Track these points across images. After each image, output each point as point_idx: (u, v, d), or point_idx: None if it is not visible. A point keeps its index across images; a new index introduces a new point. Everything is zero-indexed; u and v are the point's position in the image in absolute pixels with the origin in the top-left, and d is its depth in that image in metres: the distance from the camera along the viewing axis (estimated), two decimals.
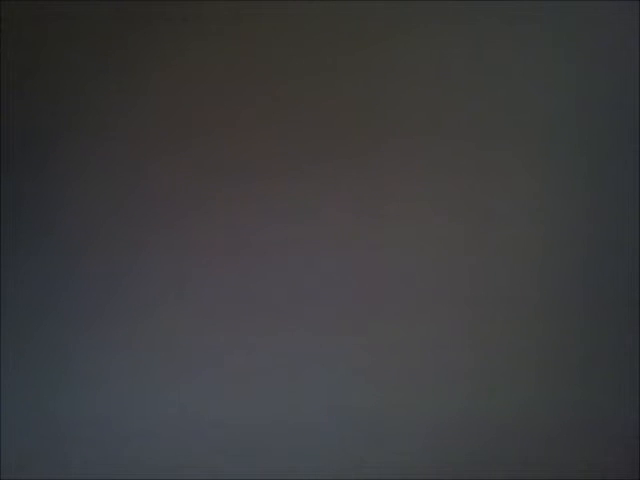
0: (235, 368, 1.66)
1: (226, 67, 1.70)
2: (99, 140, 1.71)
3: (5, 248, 1.72)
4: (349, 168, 1.66)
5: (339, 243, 1.66)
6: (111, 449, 1.68)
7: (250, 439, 1.66)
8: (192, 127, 1.70)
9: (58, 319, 1.70)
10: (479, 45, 1.65)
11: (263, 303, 1.67)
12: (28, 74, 1.73)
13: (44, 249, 1.71)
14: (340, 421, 1.64)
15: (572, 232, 1.62)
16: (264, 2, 1.69)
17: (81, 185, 1.71)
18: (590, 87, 1.63)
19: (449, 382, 1.63)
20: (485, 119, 1.64)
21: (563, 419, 1.60)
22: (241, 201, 1.68)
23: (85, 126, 1.72)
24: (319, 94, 1.68)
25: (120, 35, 1.72)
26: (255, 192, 1.68)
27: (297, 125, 1.68)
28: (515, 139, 1.64)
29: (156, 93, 1.71)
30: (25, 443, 1.70)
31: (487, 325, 1.62)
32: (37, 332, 1.70)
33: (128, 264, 1.69)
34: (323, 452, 1.64)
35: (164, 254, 1.69)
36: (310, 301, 1.66)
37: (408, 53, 1.66)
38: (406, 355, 1.64)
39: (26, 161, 1.72)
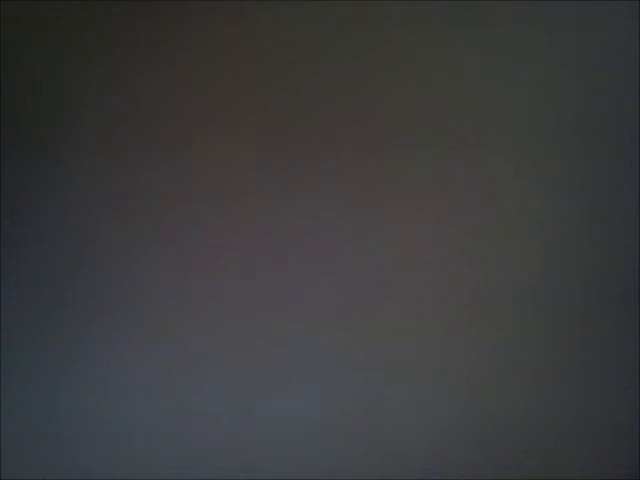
0: (236, 367, 1.66)
1: (226, 67, 1.70)
2: (99, 139, 1.71)
3: (5, 249, 1.72)
4: (349, 169, 1.66)
5: (339, 243, 1.66)
6: (111, 449, 1.68)
7: (250, 439, 1.66)
8: (192, 127, 1.70)
9: (58, 319, 1.70)
10: (479, 46, 1.65)
11: (264, 303, 1.67)
12: (28, 73, 1.73)
13: (43, 249, 1.71)
14: (340, 421, 1.64)
15: (572, 232, 1.62)
16: (264, 2, 1.69)
17: (81, 184, 1.71)
18: (590, 88, 1.63)
19: (449, 382, 1.63)
20: (486, 120, 1.64)
21: (563, 419, 1.60)
22: (241, 200, 1.68)
23: (85, 125, 1.72)
24: (320, 96, 1.68)
25: (120, 35, 1.72)
26: (255, 192, 1.68)
27: (298, 127, 1.68)
28: (516, 140, 1.64)
29: (156, 93, 1.71)
30: (25, 443, 1.69)
31: (487, 325, 1.62)
32: (37, 332, 1.70)
33: (128, 264, 1.69)
34: (323, 452, 1.64)
35: (164, 254, 1.69)
36: (310, 301, 1.66)
37: (408, 55, 1.66)
38: (406, 355, 1.64)
39: (26, 160, 1.72)
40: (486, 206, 1.64)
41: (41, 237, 1.71)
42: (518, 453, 1.61)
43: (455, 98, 1.65)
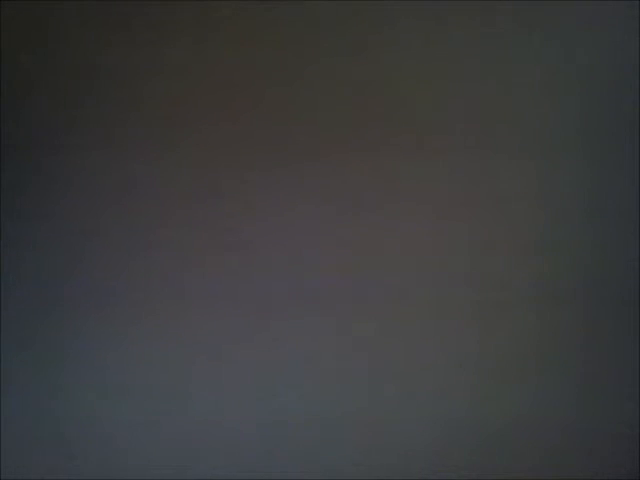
0: (235, 365, 1.66)
1: (226, 67, 1.70)
2: (98, 138, 1.71)
3: (4, 247, 1.72)
4: (349, 167, 1.66)
5: (339, 243, 1.66)
6: (111, 449, 1.68)
7: (250, 439, 1.66)
8: (191, 125, 1.70)
9: (57, 316, 1.70)
10: (479, 46, 1.65)
11: (264, 303, 1.66)
12: (28, 74, 1.73)
13: (42, 246, 1.71)
14: (340, 421, 1.64)
15: (573, 232, 1.62)
16: (264, 2, 1.69)
17: (81, 182, 1.71)
18: (591, 88, 1.63)
19: (449, 382, 1.63)
20: (486, 120, 1.64)
21: (563, 419, 1.60)
22: (241, 199, 1.68)
23: (86, 124, 1.72)
24: (319, 95, 1.68)
25: (119, 33, 1.72)
26: (254, 191, 1.68)
27: (298, 124, 1.68)
28: (516, 140, 1.64)
29: (156, 93, 1.71)
30: (25, 443, 1.69)
31: (487, 325, 1.62)
32: (36, 332, 1.70)
33: (127, 261, 1.69)
34: (323, 453, 1.64)
35: (163, 252, 1.69)
36: (310, 301, 1.66)
37: (409, 54, 1.66)
38: (406, 355, 1.64)
39: (26, 159, 1.72)
40: (486, 206, 1.64)
41: (40, 234, 1.71)
42: (518, 453, 1.61)
43: (455, 98, 1.65)
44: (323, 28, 1.68)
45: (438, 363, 1.63)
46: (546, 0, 1.64)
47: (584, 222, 1.62)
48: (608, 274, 1.61)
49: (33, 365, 1.70)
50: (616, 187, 1.62)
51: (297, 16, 1.69)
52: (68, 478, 1.69)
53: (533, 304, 1.62)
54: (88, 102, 1.72)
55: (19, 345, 1.71)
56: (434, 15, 1.66)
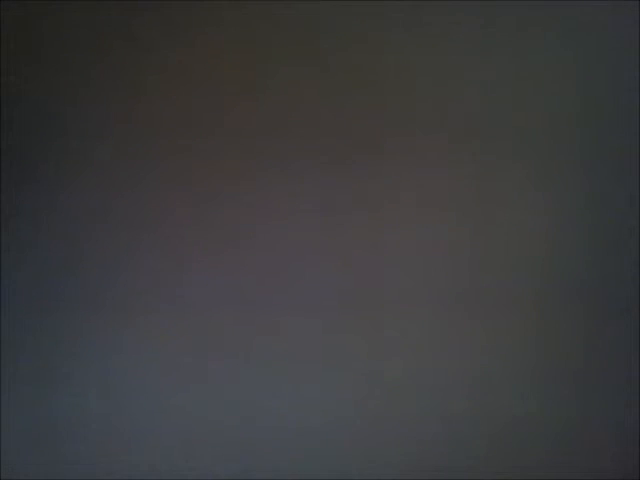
0: (236, 367, 1.66)
1: (225, 67, 1.70)
2: (98, 139, 1.71)
3: (4, 248, 1.71)
4: (349, 167, 1.66)
5: (339, 244, 1.66)
6: (111, 449, 1.68)
7: (250, 439, 1.66)
8: (190, 127, 1.70)
9: (57, 319, 1.70)
10: (479, 46, 1.65)
11: (264, 303, 1.66)
12: (28, 74, 1.73)
13: (43, 249, 1.71)
14: (340, 422, 1.64)
15: (574, 233, 1.62)
16: (263, 2, 1.69)
17: (81, 183, 1.71)
18: (591, 88, 1.63)
19: (449, 383, 1.63)
20: (486, 119, 1.64)
21: (563, 419, 1.60)
22: (241, 199, 1.68)
23: (85, 124, 1.72)
24: (319, 94, 1.68)
25: (120, 35, 1.72)
26: (254, 190, 1.68)
27: (297, 125, 1.68)
28: (516, 138, 1.64)
29: (156, 93, 1.71)
30: (25, 443, 1.69)
31: (487, 326, 1.62)
32: (36, 332, 1.70)
33: (127, 264, 1.69)
34: (323, 453, 1.64)
35: (165, 253, 1.69)
36: (310, 301, 1.66)
37: (409, 52, 1.66)
38: (406, 356, 1.64)
39: (26, 159, 1.72)
40: (486, 206, 1.64)
41: (40, 234, 1.71)
42: (518, 453, 1.61)
43: (455, 98, 1.65)
44: (323, 28, 1.68)
45: (438, 364, 1.63)
46: (546, 0, 1.64)
47: (585, 223, 1.62)
48: (609, 275, 1.61)
49: (33, 365, 1.70)
50: (617, 188, 1.62)
51: (297, 16, 1.69)
52: (68, 478, 1.68)
53: (534, 305, 1.62)
54: (88, 102, 1.72)
55: (19, 345, 1.70)
56: (434, 15, 1.66)
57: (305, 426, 1.65)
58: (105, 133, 1.72)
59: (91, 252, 1.70)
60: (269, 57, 1.69)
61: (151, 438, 1.67)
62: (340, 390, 1.65)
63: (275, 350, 1.66)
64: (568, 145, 1.63)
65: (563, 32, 1.64)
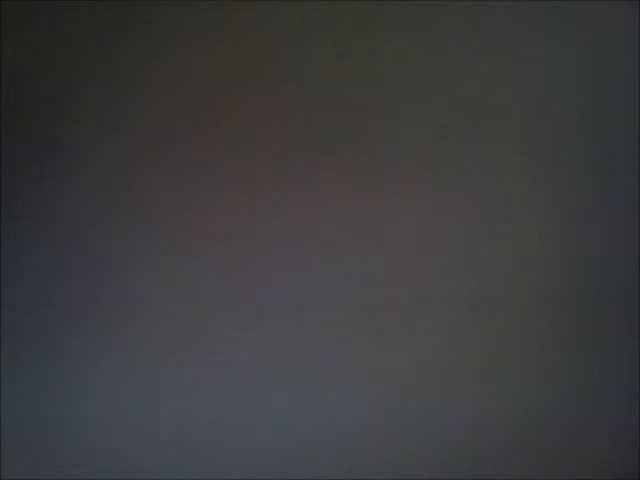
0: (235, 371, 1.66)
1: (224, 67, 1.70)
2: (98, 138, 1.71)
3: (4, 248, 1.71)
4: (349, 167, 1.66)
5: (339, 244, 1.66)
6: (111, 449, 1.68)
7: (249, 440, 1.66)
8: (190, 126, 1.70)
9: (57, 319, 1.70)
10: (479, 45, 1.65)
11: (263, 303, 1.66)
12: (28, 74, 1.73)
13: (43, 249, 1.71)
14: (340, 422, 1.64)
15: (574, 231, 1.62)
16: (263, 1, 1.69)
17: (79, 182, 1.71)
18: (591, 87, 1.63)
19: (449, 383, 1.63)
20: (486, 119, 1.64)
21: (563, 419, 1.60)
22: (241, 198, 1.68)
23: (85, 124, 1.72)
24: (319, 94, 1.68)
25: (119, 35, 1.72)
26: (254, 190, 1.68)
27: (297, 124, 1.68)
28: (516, 139, 1.64)
29: (155, 93, 1.71)
30: (25, 443, 1.69)
31: (488, 326, 1.62)
32: (35, 332, 1.70)
33: (127, 264, 1.69)
34: (323, 454, 1.64)
35: (161, 253, 1.69)
36: (310, 302, 1.66)
37: (408, 50, 1.66)
38: (406, 356, 1.64)
39: (26, 159, 1.72)
40: (487, 205, 1.64)
41: (40, 234, 1.71)
42: (518, 453, 1.61)
43: (454, 96, 1.65)
44: (323, 28, 1.68)
45: (439, 365, 1.63)
46: (546, 0, 1.64)
47: (586, 224, 1.62)
48: (609, 275, 1.61)
49: (33, 365, 1.70)
50: (618, 188, 1.62)
51: (297, 16, 1.69)
52: (68, 478, 1.68)
53: (534, 304, 1.62)
54: (88, 102, 1.72)
55: (18, 345, 1.70)
56: (434, 15, 1.66)
57: (305, 426, 1.65)
58: (106, 133, 1.71)
59: (91, 252, 1.70)
60: (269, 57, 1.69)
61: (151, 439, 1.67)
62: (340, 390, 1.65)
63: (275, 350, 1.66)
64: (568, 145, 1.63)
65: (563, 32, 1.64)
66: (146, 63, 1.71)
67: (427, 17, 1.66)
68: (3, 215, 1.72)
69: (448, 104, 1.65)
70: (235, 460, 1.66)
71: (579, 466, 1.60)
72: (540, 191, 1.63)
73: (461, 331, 1.63)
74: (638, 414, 1.59)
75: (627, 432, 1.59)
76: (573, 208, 1.63)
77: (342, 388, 1.65)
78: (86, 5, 1.72)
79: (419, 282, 1.64)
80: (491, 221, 1.64)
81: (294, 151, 1.68)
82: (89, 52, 1.72)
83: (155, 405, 1.68)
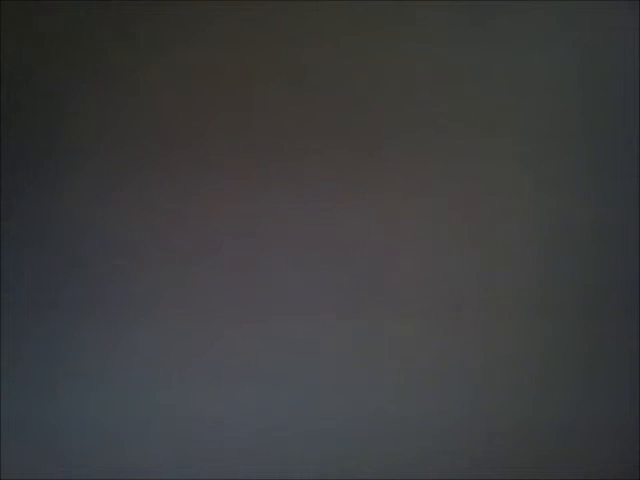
0: (237, 371, 1.66)
1: (224, 66, 1.70)
2: (98, 137, 1.71)
3: (4, 248, 1.71)
4: (349, 168, 1.66)
5: (339, 245, 1.66)
6: (111, 449, 1.68)
7: (249, 440, 1.66)
8: (192, 125, 1.70)
9: (57, 319, 1.70)
10: (479, 46, 1.65)
11: (263, 303, 1.66)
12: (28, 74, 1.73)
13: (43, 249, 1.71)
14: (340, 422, 1.64)
15: (574, 232, 1.62)
16: (263, 1, 1.69)
17: (79, 182, 1.71)
18: (591, 87, 1.63)
19: (449, 383, 1.63)
20: (485, 121, 1.64)
21: (563, 419, 1.60)
22: (240, 199, 1.68)
23: (85, 123, 1.72)
24: (319, 94, 1.68)
25: (119, 35, 1.72)
26: (254, 189, 1.68)
27: (297, 124, 1.68)
28: (516, 140, 1.64)
29: (155, 93, 1.71)
30: (25, 443, 1.69)
31: (488, 327, 1.62)
32: (35, 332, 1.70)
33: (126, 264, 1.69)
34: (323, 453, 1.64)
35: (162, 253, 1.69)
36: (310, 302, 1.66)
37: (408, 49, 1.66)
38: (406, 356, 1.64)
39: (26, 158, 1.72)
40: (486, 207, 1.64)
41: (40, 234, 1.71)
42: (518, 453, 1.61)
43: (454, 98, 1.65)
44: (323, 28, 1.68)
45: (439, 366, 1.63)
46: (546, 0, 1.64)
47: (586, 224, 1.62)
48: (609, 275, 1.61)
49: (33, 365, 1.70)
50: (618, 192, 1.62)
51: (297, 16, 1.69)
52: (68, 478, 1.69)
53: (534, 304, 1.62)
54: (88, 102, 1.72)
55: (18, 345, 1.70)
56: (434, 15, 1.66)
57: (305, 426, 1.65)
58: (106, 133, 1.71)
59: (91, 253, 1.70)
60: (269, 57, 1.69)
61: (151, 439, 1.67)
62: (340, 390, 1.65)
63: (277, 350, 1.66)
64: (568, 145, 1.63)
65: (563, 32, 1.64)
66: (146, 63, 1.71)
67: (427, 17, 1.66)
68: (3, 215, 1.72)
69: (448, 104, 1.65)
70: (235, 460, 1.66)
71: (579, 466, 1.60)
72: (540, 191, 1.63)
73: (461, 331, 1.63)
74: (638, 414, 1.59)
75: (627, 432, 1.59)
76: (573, 208, 1.63)
77: (342, 388, 1.65)
78: (86, 5, 1.72)
79: (419, 282, 1.64)
80: (491, 221, 1.64)
81: (294, 151, 1.68)
82: (89, 52, 1.72)
83: (155, 405, 1.68)
